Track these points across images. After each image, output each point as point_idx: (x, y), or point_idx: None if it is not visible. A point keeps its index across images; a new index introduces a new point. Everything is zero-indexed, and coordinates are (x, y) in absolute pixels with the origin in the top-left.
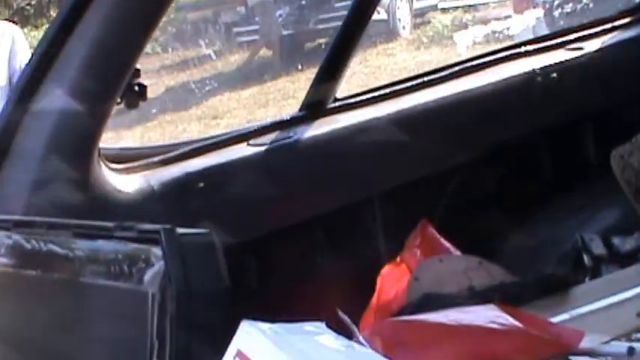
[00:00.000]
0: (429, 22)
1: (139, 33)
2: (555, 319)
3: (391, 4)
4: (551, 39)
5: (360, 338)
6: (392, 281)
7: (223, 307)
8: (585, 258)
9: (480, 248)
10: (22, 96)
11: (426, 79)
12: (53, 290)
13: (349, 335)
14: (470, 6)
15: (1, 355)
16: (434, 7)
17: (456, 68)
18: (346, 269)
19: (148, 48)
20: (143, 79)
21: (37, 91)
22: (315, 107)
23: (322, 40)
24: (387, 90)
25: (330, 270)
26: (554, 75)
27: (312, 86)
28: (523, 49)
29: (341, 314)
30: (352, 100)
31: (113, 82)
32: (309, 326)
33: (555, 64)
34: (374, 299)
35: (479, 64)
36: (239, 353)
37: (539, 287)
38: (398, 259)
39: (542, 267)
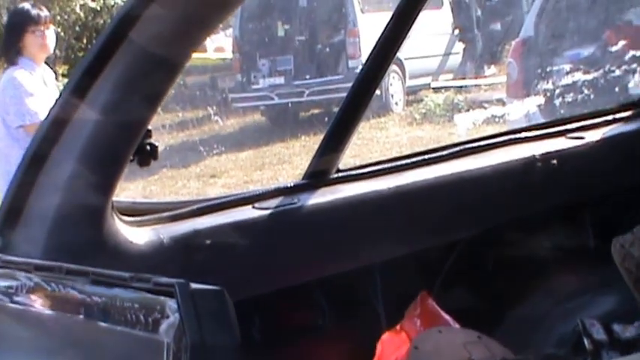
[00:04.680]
0: (422, 100)
1: (150, 96)
2: None
3: (384, 81)
4: (551, 126)
5: None
6: (392, 348)
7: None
8: (586, 342)
9: (476, 323)
10: (39, 153)
11: (427, 156)
12: (72, 331)
13: None
14: (461, 87)
15: None
16: (426, 86)
17: (457, 149)
18: (346, 333)
19: None
20: None
21: (54, 148)
22: (318, 176)
23: (316, 111)
24: (390, 165)
25: (330, 332)
26: (555, 162)
27: (315, 156)
28: (524, 134)
29: None
30: (355, 172)
31: (126, 143)
32: None
33: (556, 151)
34: None
35: (480, 146)
36: None
37: None
38: (398, 327)
39: (540, 347)
